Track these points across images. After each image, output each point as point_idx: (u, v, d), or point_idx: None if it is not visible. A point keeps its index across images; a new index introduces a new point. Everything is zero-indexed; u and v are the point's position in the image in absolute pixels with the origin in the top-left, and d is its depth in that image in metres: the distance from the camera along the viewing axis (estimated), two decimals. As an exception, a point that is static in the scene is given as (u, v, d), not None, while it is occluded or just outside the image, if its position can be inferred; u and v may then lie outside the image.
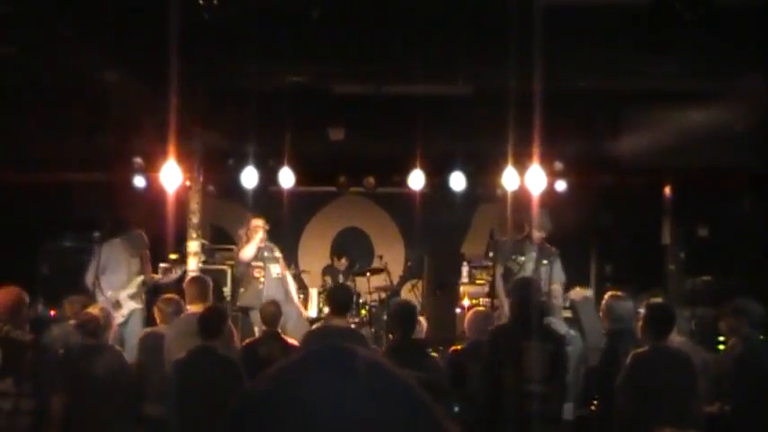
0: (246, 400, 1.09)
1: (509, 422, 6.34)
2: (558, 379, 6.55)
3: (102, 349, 6.85)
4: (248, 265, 10.20)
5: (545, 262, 9.41)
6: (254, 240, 10.11)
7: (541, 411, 6.40)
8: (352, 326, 9.09)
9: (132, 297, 9.79)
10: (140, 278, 9.88)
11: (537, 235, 9.48)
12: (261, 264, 10.17)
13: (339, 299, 7.45)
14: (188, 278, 8.94)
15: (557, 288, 9.41)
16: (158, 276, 10.17)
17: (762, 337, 7.08)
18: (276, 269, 10.21)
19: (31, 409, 6.45)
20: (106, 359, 6.80)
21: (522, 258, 9.46)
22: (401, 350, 6.44)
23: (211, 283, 8.31)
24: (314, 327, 8.80)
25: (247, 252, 10.14)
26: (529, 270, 9.35)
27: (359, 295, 11.04)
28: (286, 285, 10.28)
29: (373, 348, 7.93)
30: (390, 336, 6.83)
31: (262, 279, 10.10)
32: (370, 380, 1.07)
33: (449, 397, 6.34)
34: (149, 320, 9.90)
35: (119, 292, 9.67)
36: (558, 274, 9.55)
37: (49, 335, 8.10)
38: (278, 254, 10.39)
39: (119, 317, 9.06)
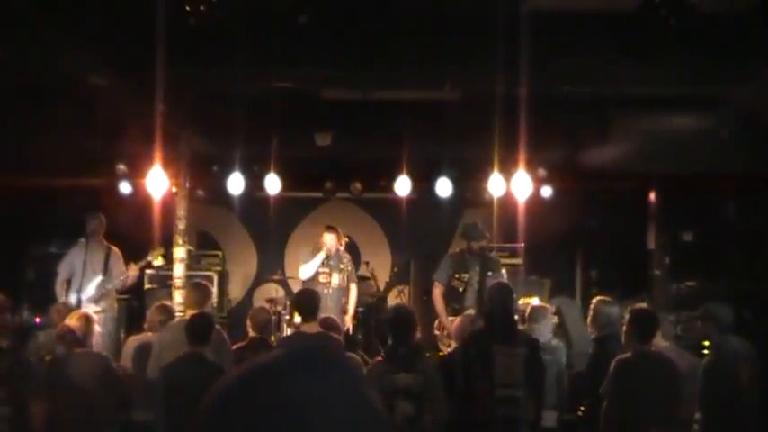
0: (218, 395, 1.11)
1: (481, 426, 6.34)
2: (531, 383, 6.56)
3: (85, 356, 6.82)
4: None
5: (490, 273, 9.29)
6: (314, 259, 10.20)
7: (514, 415, 6.42)
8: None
9: (95, 300, 9.39)
10: (99, 278, 9.51)
11: (476, 246, 9.46)
12: (327, 270, 10.26)
13: (306, 303, 7.25)
14: (190, 283, 8.79)
15: None
16: (130, 271, 9.67)
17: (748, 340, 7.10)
18: (336, 279, 10.27)
19: (9, 415, 6.40)
20: (90, 366, 6.77)
21: (466, 275, 9.38)
22: (396, 354, 6.44)
23: (211, 289, 8.23)
24: (286, 335, 8.72)
25: (306, 271, 10.22)
26: (474, 285, 9.31)
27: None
28: (345, 296, 10.39)
29: (353, 355, 7.93)
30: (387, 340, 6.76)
31: (328, 286, 10.16)
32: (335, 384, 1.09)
33: (438, 399, 6.33)
34: (130, 323, 9.81)
35: (77, 295, 9.38)
36: None
37: (35, 342, 8.07)
38: (344, 265, 10.40)
39: None
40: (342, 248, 10.52)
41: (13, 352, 6.61)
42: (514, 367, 6.46)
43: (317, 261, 10.21)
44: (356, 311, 10.84)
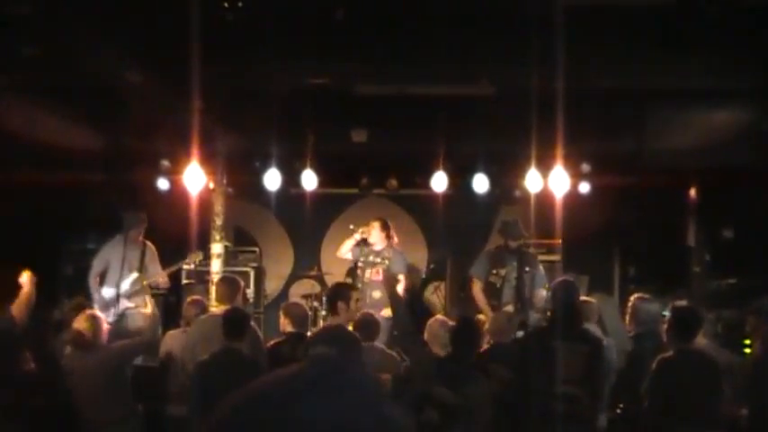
0: (229, 412, 1.12)
1: (539, 423, 6.24)
2: (592, 382, 6.43)
3: (94, 354, 6.86)
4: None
5: (527, 269, 9.35)
6: (347, 240, 10.26)
7: (573, 413, 6.30)
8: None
9: (130, 296, 9.51)
10: (134, 275, 9.58)
11: (513, 244, 9.44)
12: (362, 265, 10.22)
13: (329, 298, 7.37)
14: (218, 278, 8.77)
15: (541, 294, 9.31)
16: (161, 277, 9.83)
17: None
18: (368, 273, 10.14)
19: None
20: (98, 362, 6.80)
21: (503, 271, 9.45)
22: (447, 370, 6.13)
23: (241, 284, 8.15)
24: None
25: (341, 250, 10.38)
26: (512, 280, 9.30)
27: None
28: (381, 289, 10.10)
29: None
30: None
31: (360, 281, 10.06)
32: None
33: (480, 423, 5.95)
34: (167, 319, 9.87)
35: (111, 290, 9.48)
36: (541, 280, 9.47)
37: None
38: (380, 260, 10.21)
39: (110, 315, 8.96)
40: (385, 246, 10.29)
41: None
42: (574, 364, 6.34)
43: (347, 244, 10.25)
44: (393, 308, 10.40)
